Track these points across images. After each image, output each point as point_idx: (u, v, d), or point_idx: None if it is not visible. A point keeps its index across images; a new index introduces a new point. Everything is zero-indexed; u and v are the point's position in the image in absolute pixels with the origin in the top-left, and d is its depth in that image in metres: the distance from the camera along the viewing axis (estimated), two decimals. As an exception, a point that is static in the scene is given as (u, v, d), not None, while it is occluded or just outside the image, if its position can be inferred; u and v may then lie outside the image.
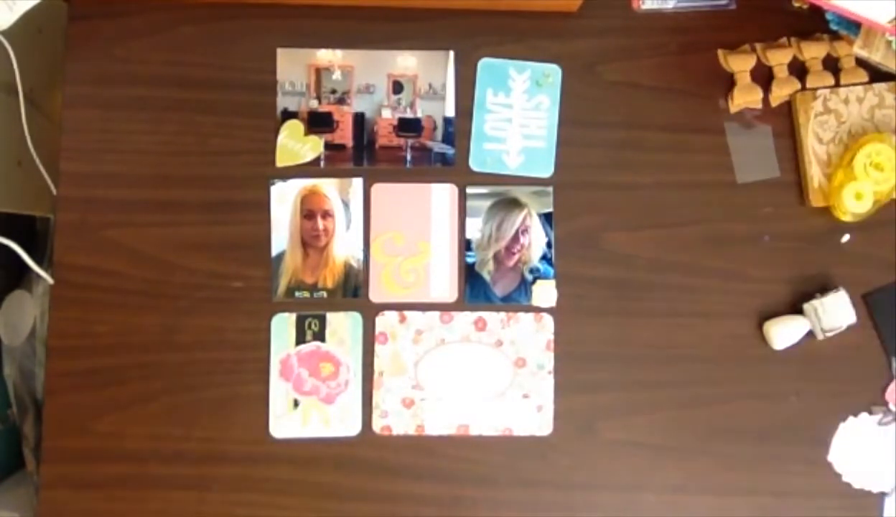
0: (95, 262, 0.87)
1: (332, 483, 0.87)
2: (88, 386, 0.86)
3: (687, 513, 0.88)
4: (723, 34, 0.92)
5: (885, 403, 0.89)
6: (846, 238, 0.91)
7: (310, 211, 0.89)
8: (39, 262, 0.90)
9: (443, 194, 0.89)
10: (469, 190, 0.89)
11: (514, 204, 0.90)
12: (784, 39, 0.92)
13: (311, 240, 0.89)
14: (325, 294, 0.88)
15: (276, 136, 0.89)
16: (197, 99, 0.89)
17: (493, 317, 0.89)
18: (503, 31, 0.91)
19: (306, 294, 0.88)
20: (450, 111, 0.90)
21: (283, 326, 0.88)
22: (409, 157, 0.90)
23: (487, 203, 0.89)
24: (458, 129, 0.90)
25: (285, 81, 0.90)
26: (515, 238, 0.89)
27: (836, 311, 0.87)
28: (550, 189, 0.90)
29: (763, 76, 0.91)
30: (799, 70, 0.92)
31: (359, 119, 0.90)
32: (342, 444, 0.87)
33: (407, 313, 0.88)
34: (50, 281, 0.87)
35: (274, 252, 0.88)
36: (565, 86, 0.91)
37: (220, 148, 0.89)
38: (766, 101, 0.91)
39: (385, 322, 0.88)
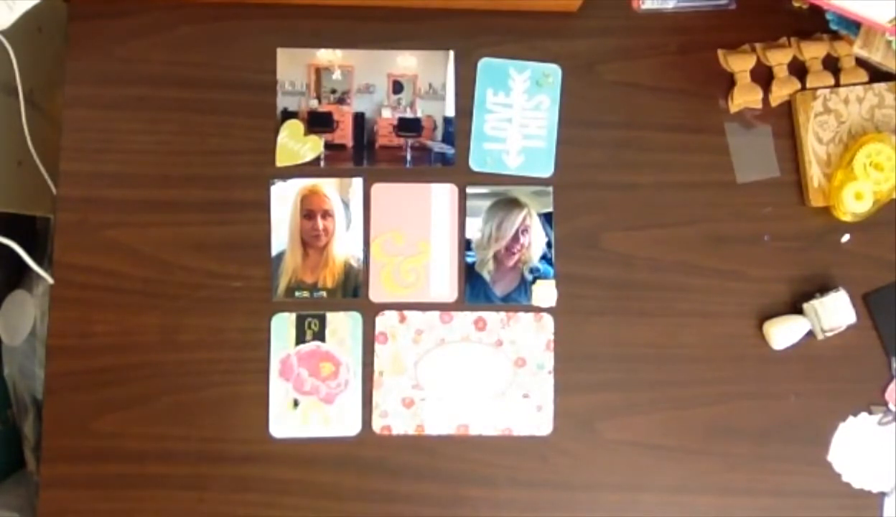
0: (95, 262, 0.87)
1: (332, 483, 0.87)
2: (88, 386, 0.86)
3: (687, 513, 0.88)
4: (723, 34, 0.92)
5: (885, 403, 0.89)
6: (846, 238, 0.91)
7: (310, 211, 0.89)
8: (39, 262, 0.90)
9: (443, 194, 0.89)
10: (469, 190, 0.89)
11: (514, 204, 0.90)
12: (784, 39, 0.92)
13: (311, 239, 0.89)
14: (324, 294, 0.88)
15: (276, 135, 0.89)
16: (197, 99, 0.89)
17: (493, 317, 0.89)
18: (503, 31, 0.91)
19: (306, 294, 0.88)
20: (450, 111, 0.90)
21: (282, 326, 0.88)
22: (409, 157, 0.90)
23: (487, 203, 0.89)
24: (458, 129, 0.90)
25: (285, 81, 0.90)
26: (515, 238, 0.89)
27: (836, 311, 0.87)
28: (550, 189, 0.90)
29: (763, 76, 0.91)
30: (799, 70, 0.92)
31: (359, 119, 0.90)
32: (342, 444, 0.87)
33: (407, 313, 0.88)
34: (50, 281, 0.87)
35: (274, 252, 0.88)
36: (565, 86, 0.91)
37: (219, 148, 0.89)
38: (766, 101, 0.92)
39: (385, 322, 0.88)
